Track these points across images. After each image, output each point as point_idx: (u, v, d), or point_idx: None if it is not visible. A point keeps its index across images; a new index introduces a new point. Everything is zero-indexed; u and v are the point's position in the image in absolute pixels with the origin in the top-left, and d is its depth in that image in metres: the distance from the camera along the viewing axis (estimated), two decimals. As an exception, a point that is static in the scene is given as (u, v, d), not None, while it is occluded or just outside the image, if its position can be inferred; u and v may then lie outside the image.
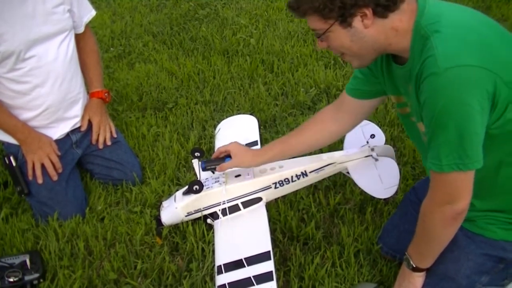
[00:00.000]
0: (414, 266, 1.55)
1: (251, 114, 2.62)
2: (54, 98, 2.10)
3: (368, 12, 1.32)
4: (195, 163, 2.11)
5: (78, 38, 2.25)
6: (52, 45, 2.05)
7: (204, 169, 1.96)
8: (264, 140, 2.44)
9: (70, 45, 2.14)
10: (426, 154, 1.38)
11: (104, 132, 2.29)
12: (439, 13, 1.32)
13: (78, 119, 2.24)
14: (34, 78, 2.03)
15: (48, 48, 2.04)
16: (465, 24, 1.31)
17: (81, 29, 2.25)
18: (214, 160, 1.96)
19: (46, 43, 2.02)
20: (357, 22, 1.34)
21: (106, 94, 2.35)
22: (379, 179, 1.94)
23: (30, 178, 2.09)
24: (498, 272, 1.53)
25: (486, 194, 1.47)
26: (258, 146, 2.26)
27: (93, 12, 2.30)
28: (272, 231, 1.94)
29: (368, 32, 1.36)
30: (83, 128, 2.25)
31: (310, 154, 2.05)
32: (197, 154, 2.05)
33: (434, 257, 1.53)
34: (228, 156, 1.93)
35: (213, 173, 1.99)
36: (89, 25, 2.33)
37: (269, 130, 2.59)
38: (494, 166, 1.41)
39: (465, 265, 1.54)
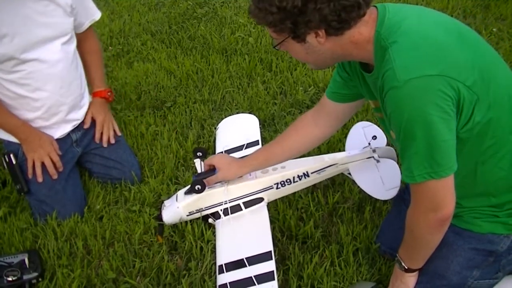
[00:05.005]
0: (406, 267, 1.56)
1: (250, 113, 2.62)
2: (54, 100, 2.09)
3: (321, 32, 1.32)
4: (197, 162, 2.12)
5: (80, 38, 2.25)
6: (53, 48, 2.04)
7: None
8: (263, 139, 2.44)
9: (71, 48, 2.13)
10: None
11: (108, 131, 2.29)
12: (398, 22, 1.32)
13: (79, 121, 2.23)
14: (34, 81, 2.01)
15: (48, 51, 2.02)
16: (424, 32, 1.31)
17: (81, 29, 2.24)
18: (204, 173, 1.96)
19: (47, 46, 2.01)
20: (311, 38, 1.35)
21: (109, 93, 2.35)
22: (381, 180, 1.94)
23: (30, 176, 2.09)
24: (489, 266, 1.54)
25: (470, 194, 1.49)
26: (260, 146, 2.26)
27: (96, 16, 2.28)
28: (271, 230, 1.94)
29: (323, 47, 1.37)
30: (86, 126, 2.26)
31: (310, 154, 2.05)
32: (199, 153, 2.06)
33: (424, 259, 1.54)
34: (213, 167, 1.94)
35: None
36: (92, 27, 2.31)
37: (268, 129, 2.59)
38: (471, 167, 1.42)
39: (454, 261, 1.55)
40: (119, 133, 2.34)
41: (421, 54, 1.26)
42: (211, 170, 1.95)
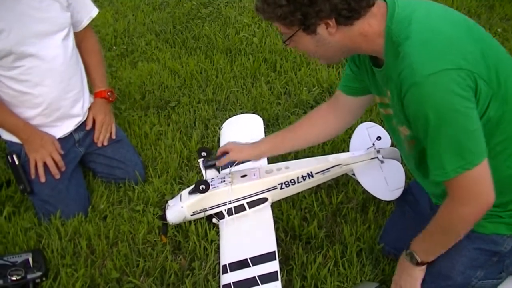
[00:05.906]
0: (419, 261, 1.54)
1: (254, 113, 2.62)
2: (54, 96, 2.09)
3: (331, 22, 1.32)
4: (202, 162, 2.12)
5: (80, 38, 2.25)
6: (52, 43, 2.05)
7: (205, 166, 1.99)
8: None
9: (69, 43, 2.14)
10: (407, 156, 1.38)
11: (105, 132, 2.29)
12: (408, 16, 1.32)
13: (80, 118, 2.24)
14: (33, 77, 2.02)
15: (47, 46, 2.03)
16: (434, 26, 1.31)
17: (79, 27, 2.24)
18: (215, 158, 1.98)
19: (45, 40, 2.02)
20: (321, 29, 1.35)
21: (109, 94, 2.34)
22: (385, 181, 1.94)
23: (33, 176, 2.09)
24: (493, 266, 1.54)
25: None
26: None
27: (93, 13, 2.29)
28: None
29: (333, 39, 1.37)
30: (88, 127, 2.26)
31: (314, 155, 2.05)
32: (203, 153, 2.06)
33: (441, 253, 1.51)
34: (227, 153, 1.95)
35: (219, 172, 2.00)
36: (91, 25, 2.32)
37: (272, 129, 2.58)
38: None
39: (459, 261, 1.54)
40: (113, 137, 2.33)
41: (436, 48, 1.26)
42: (221, 155, 1.96)
